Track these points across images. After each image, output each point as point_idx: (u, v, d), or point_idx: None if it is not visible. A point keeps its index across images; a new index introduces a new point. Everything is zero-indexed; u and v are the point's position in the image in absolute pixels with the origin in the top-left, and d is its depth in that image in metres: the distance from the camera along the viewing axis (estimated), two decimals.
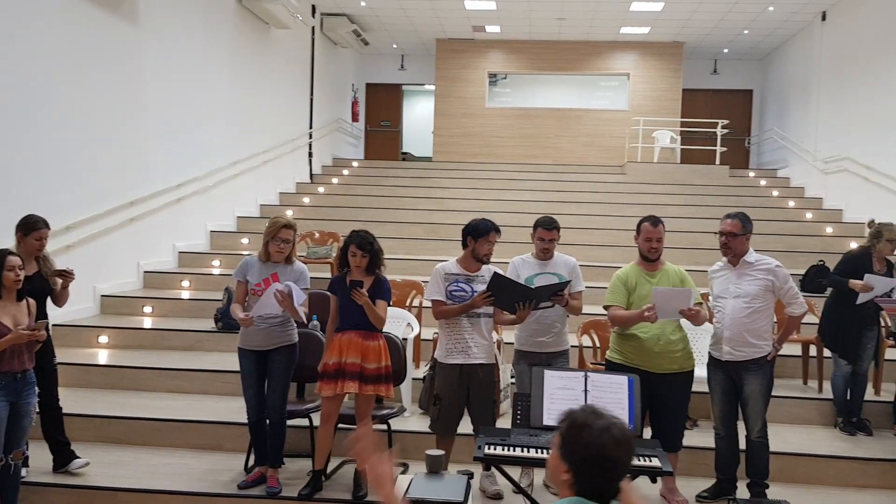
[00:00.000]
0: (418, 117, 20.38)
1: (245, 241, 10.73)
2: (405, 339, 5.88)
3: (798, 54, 15.21)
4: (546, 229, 5.08)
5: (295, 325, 5.06)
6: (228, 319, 7.37)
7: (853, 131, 12.26)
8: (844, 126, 12.64)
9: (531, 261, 5.18)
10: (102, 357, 7.11)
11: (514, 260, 5.25)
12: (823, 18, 13.79)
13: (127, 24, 8.51)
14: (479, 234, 4.81)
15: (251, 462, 5.22)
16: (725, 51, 17.13)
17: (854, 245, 7.62)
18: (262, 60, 12.31)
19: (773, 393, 4.95)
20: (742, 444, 4.92)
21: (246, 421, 5.05)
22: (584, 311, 5.27)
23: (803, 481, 5.38)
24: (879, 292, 5.70)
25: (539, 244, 5.12)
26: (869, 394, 6.19)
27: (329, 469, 5.16)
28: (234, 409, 5.80)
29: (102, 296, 8.26)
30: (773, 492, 4.84)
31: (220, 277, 9.12)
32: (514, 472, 4.90)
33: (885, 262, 6.01)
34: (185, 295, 8.79)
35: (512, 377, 5.95)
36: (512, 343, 5.25)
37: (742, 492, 4.90)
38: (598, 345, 6.34)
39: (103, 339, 7.46)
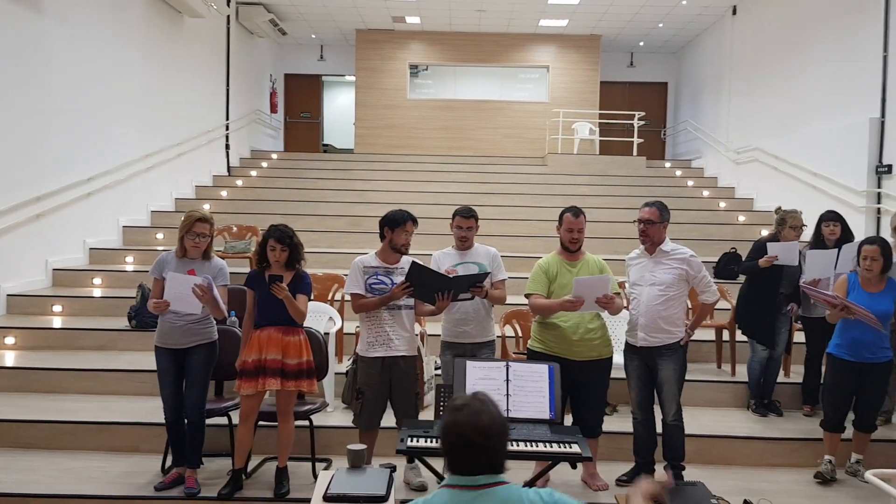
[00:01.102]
0: (339, 108, 20.19)
1: (160, 236, 10.43)
2: (327, 334, 5.81)
3: (710, 48, 15.68)
4: (463, 217, 5.11)
5: (214, 321, 4.94)
6: (143, 317, 7.16)
7: (763, 123, 12.72)
8: (754, 118, 13.10)
9: (451, 252, 5.20)
10: (10, 359, 6.80)
11: (436, 254, 5.27)
12: (734, 13, 14.25)
13: (30, 11, 8.13)
14: (395, 225, 4.79)
15: (168, 463, 5.09)
16: (641, 44, 17.52)
17: (764, 233, 7.91)
18: (176, 50, 11.95)
19: (689, 377, 5.09)
20: (659, 428, 5.04)
21: (163, 421, 4.93)
22: (506, 302, 5.30)
23: (718, 462, 5.56)
24: (785, 259, 5.92)
25: (457, 232, 5.14)
26: (779, 376, 6.43)
27: (250, 468, 5.08)
28: (151, 409, 5.67)
29: (8, 295, 7.91)
30: (689, 473, 4.98)
31: (133, 274, 8.84)
32: (438, 463, 4.91)
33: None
34: (97, 293, 8.50)
35: (437, 369, 5.95)
36: (436, 335, 5.24)
37: (660, 474, 5.01)
38: (520, 334, 6.40)
39: (10, 340, 7.15)
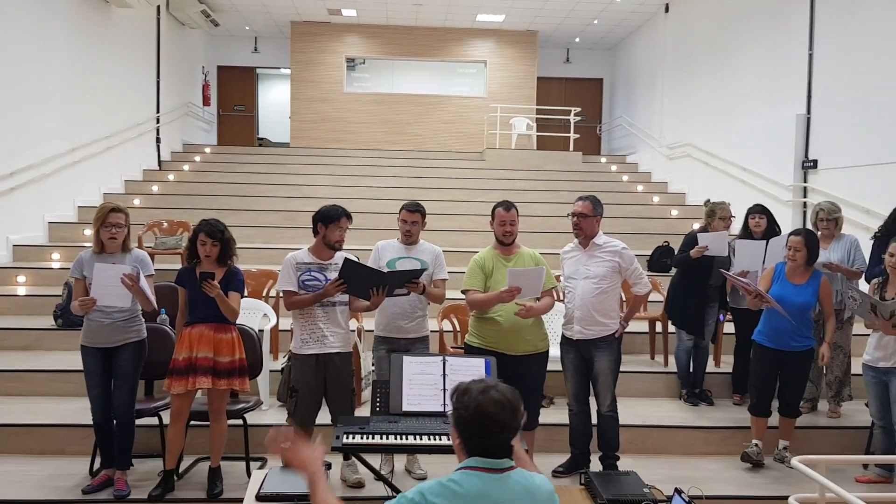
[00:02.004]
0: (274, 102, 19.89)
1: (88, 232, 10.07)
2: (261, 331, 5.72)
3: (644, 45, 15.95)
4: (409, 211, 5.08)
5: (143, 319, 4.80)
6: (69, 316, 6.93)
7: (694, 119, 13.01)
8: (687, 114, 13.39)
9: (396, 245, 5.16)
10: None
11: (379, 243, 5.22)
12: (667, 10, 14.52)
13: None
14: (329, 221, 4.72)
15: (97, 465, 4.93)
16: (577, 40, 17.72)
17: (696, 226, 8.09)
18: (103, 41, 11.58)
19: (623, 368, 5.17)
20: (595, 419, 5.10)
21: (91, 422, 4.78)
22: (445, 298, 5.29)
23: (652, 451, 5.66)
24: (715, 249, 6.04)
25: (402, 226, 5.11)
26: (710, 366, 6.58)
27: (182, 468, 4.98)
28: (78, 411, 5.50)
29: None
30: (623, 463, 5.06)
31: (59, 271, 8.55)
32: (375, 459, 4.88)
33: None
34: (22, 291, 8.21)
35: (373, 364, 5.91)
36: (373, 330, 5.20)
37: (595, 465, 5.09)
38: (458, 329, 6.40)
39: None
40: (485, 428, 2.24)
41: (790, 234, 5.34)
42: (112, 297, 4.48)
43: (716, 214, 6.34)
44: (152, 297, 4.64)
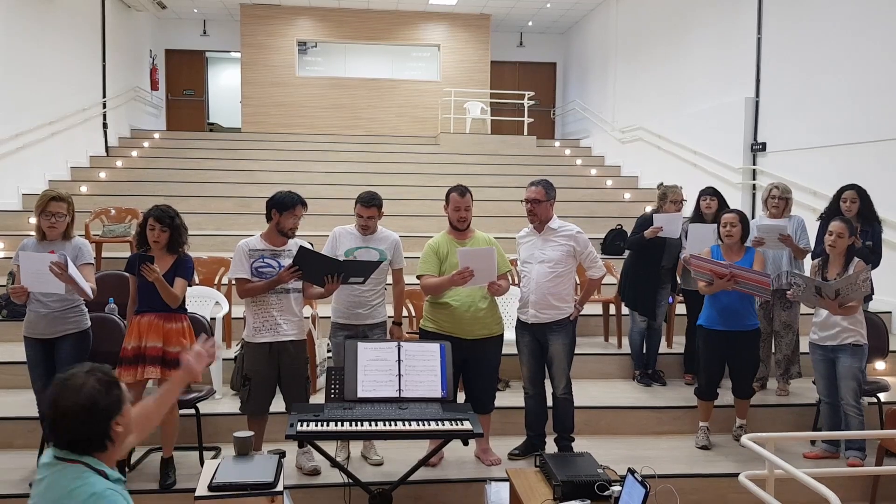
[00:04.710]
0: (225, 86, 19.52)
1: (33, 220, 9.73)
2: (213, 319, 5.63)
3: (596, 28, 16.02)
4: (365, 206, 5.01)
5: (85, 310, 4.68)
6: (14, 306, 6.75)
7: (646, 103, 13.13)
8: (638, 98, 13.50)
9: (354, 233, 5.10)
10: None
11: (336, 230, 5.16)
12: None
13: None
14: (284, 208, 4.65)
15: None
16: (530, 24, 17.72)
17: (648, 209, 8.18)
18: (45, 23, 11.21)
19: (577, 351, 5.21)
20: (550, 402, 5.14)
21: (37, 415, 4.66)
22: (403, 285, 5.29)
23: (606, 432, 5.72)
24: (669, 230, 6.10)
25: (358, 220, 5.06)
26: (662, 347, 6.67)
27: (133, 459, 4.91)
28: (24, 403, 5.38)
29: None
30: (578, 444, 5.10)
31: (3, 261, 8.29)
32: (331, 447, 4.85)
33: None
34: None
35: (329, 351, 5.87)
36: (329, 317, 5.16)
37: (551, 447, 5.13)
38: (413, 314, 6.38)
39: None
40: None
41: (724, 213, 5.48)
42: (43, 284, 4.34)
43: (667, 198, 6.41)
44: (85, 286, 4.45)
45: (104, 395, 2.20)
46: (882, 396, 5.56)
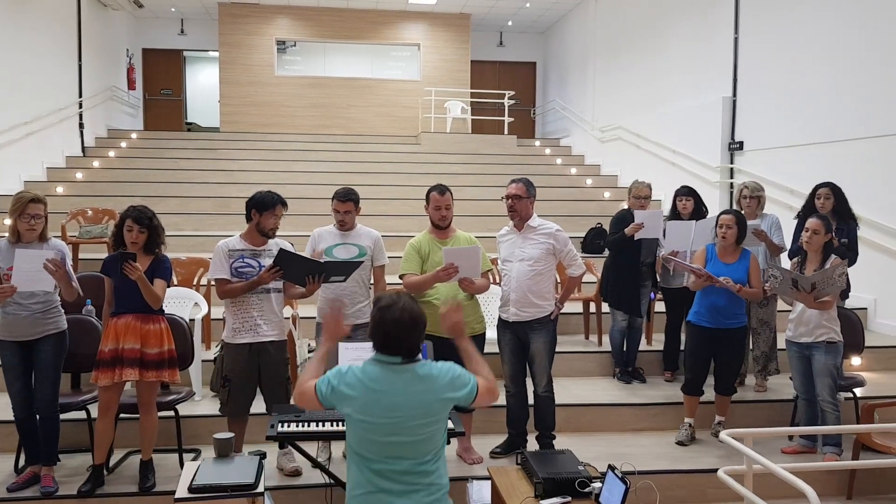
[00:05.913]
0: (203, 86, 19.39)
1: (8, 221, 9.67)
2: (192, 320, 5.59)
3: (575, 28, 16.08)
4: (340, 201, 5.02)
5: (62, 310, 4.64)
6: None
7: (625, 102, 13.20)
8: (618, 97, 13.57)
9: (333, 231, 5.11)
10: None
11: (316, 230, 5.18)
12: None
13: None
14: (264, 208, 4.63)
15: (23, 462, 4.76)
16: (510, 23, 17.75)
17: (624, 205, 8.24)
18: (19, 22, 11.08)
19: (558, 349, 5.22)
20: (531, 400, 5.15)
21: (13, 418, 4.60)
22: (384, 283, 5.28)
23: (587, 430, 5.75)
24: (650, 227, 6.12)
25: (335, 216, 5.07)
26: (642, 344, 6.71)
27: (112, 462, 4.86)
28: None
29: None
30: (559, 442, 5.12)
31: None
32: (311, 447, 4.83)
33: None
34: None
35: (310, 351, 5.85)
36: (310, 318, 5.14)
37: (532, 444, 5.14)
38: None
39: None
40: (385, 335, 2.89)
41: (721, 213, 5.48)
42: (33, 282, 4.31)
43: (631, 193, 6.49)
44: (77, 285, 4.48)
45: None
46: (858, 392, 5.64)
